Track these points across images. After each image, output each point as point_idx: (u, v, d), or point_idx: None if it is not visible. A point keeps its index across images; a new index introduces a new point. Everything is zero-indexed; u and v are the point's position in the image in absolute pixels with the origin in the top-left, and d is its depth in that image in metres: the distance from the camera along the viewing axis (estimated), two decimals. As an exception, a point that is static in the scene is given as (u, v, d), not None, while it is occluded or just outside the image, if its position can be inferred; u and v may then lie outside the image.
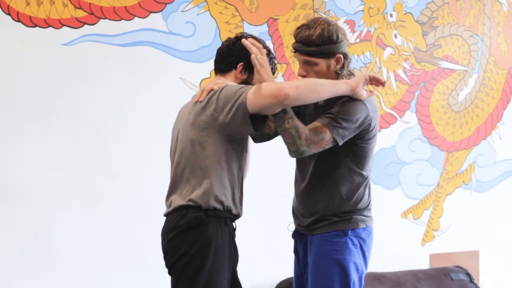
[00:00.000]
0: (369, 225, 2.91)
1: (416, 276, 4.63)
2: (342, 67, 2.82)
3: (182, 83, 4.19)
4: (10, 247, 3.81)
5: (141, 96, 4.09)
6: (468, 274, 4.79)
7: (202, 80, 4.22)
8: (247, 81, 2.89)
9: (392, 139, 4.85)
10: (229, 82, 2.84)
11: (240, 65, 2.88)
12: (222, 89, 2.75)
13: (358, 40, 4.68)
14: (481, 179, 5.18)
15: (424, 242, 5.01)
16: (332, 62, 2.80)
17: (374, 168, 4.70)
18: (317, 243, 2.88)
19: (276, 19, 4.44)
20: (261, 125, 2.77)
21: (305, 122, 2.80)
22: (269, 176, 4.24)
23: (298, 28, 2.83)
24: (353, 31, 4.66)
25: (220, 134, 2.74)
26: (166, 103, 4.09)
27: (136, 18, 4.08)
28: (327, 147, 2.74)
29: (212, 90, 2.78)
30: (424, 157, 4.99)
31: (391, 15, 4.80)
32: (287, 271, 4.32)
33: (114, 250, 4.01)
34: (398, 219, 4.90)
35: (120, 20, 4.05)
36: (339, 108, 2.77)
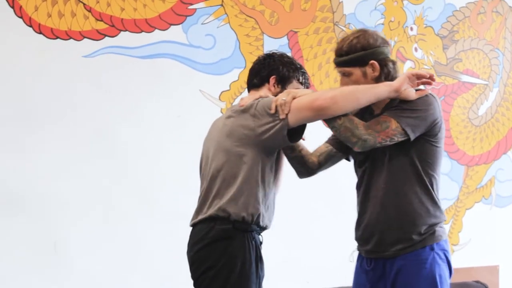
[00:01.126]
0: (447, 237, 2.78)
1: (435, 291, 4.59)
2: (381, 74, 2.71)
3: (202, 95, 4.20)
4: (28, 259, 3.82)
5: (160, 108, 4.10)
6: (488, 289, 4.76)
7: (221, 93, 4.23)
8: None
9: (412, 152, 4.82)
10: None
11: (272, 78, 2.86)
12: (259, 100, 2.75)
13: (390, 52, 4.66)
14: (501, 194, 5.15)
15: (443, 256, 4.97)
16: (368, 69, 2.70)
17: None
18: (403, 264, 2.69)
19: (296, 32, 4.45)
20: (298, 137, 2.76)
21: None
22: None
23: (336, 44, 2.81)
24: (373, 45, 4.65)
25: (256, 146, 2.73)
26: (185, 115, 4.11)
27: (156, 30, 4.10)
28: (396, 138, 2.60)
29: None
30: (443, 171, 4.87)
31: (411, 29, 4.79)
32: (304, 284, 4.33)
33: (132, 262, 4.01)
34: (417, 233, 4.86)
35: (141, 32, 4.07)
36: (405, 102, 2.65)
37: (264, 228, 2.83)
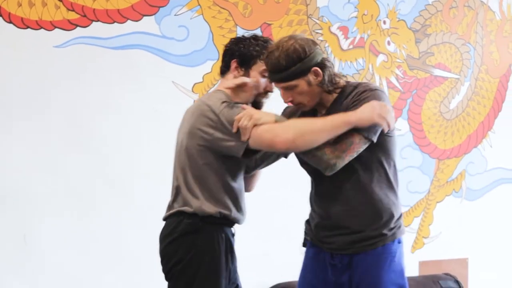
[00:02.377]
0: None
1: (405, 283, 4.62)
2: (324, 77, 2.67)
3: (175, 87, 4.17)
4: (-2, 251, 3.79)
5: (133, 100, 4.06)
6: (457, 282, 4.80)
7: (194, 84, 4.20)
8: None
9: (384, 146, 4.84)
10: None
11: (233, 62, 2.81)
12: (222, 110, 2.70)
13: (351, 46, 4.68)
14: (472, 187, 5.19)
15: (414, 249, 5.01)
16: (311, 77, 2.65)
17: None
18: (373, 259, 2.71)
19: (269, 24, 4.43)
20: (251, 155, 2.74)
21: None
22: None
23: (266, 55, 2.68)
24: (347, 38, 4.66)
25: (215, 149, 2.71)
26: (158, 107, 4.08)
27: (129, 21, 4.06)
28: (361, 149, 2.60)
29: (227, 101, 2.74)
30: (415, 165, 4.99)
31: (384, 22, 4.80)
32: (277, 277, 4.33)
33: (105, 255, 3.98)
34: (388, 226, 4.89)
35: (113, 23, 4.03)
36: (359, 103, 2.61)
37: (234, 222, 2.82)
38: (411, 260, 4.96)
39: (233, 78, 2.81)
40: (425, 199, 5.04)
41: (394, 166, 2.75)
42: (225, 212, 2.74)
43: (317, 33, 4.56)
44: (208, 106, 2.72)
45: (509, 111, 5.30)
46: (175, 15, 4.17)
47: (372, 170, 2.68)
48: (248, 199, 3.98)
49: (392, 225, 2.72)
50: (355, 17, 4.70)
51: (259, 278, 4.36)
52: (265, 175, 4.12)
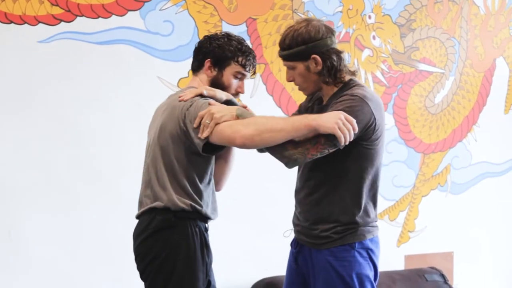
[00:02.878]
0: (375, 235, 2.77)
1: (391, 277, 4.65)
2: (323, 68, 2.68)
3: (160, 82, 4.16)
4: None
5: (118, 95, 4.05)
6: (442, 275, 4.82)
7: (179, 79, 4.19)
8: (217, 78, 2.85)
9: (369, 140, 4.85)
10: (217, 92, 2.80)
11: (207, 62, 2.84)
12: (193, 105, 2.70)
13: (336, 41, 4.67)
14: (457, 181, 5.21)
15: (399, 243, 5.03)
16: (311, 63, 2.69)
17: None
18: (323, 258, 2.73)
19: (255, 19, 4.43)
20: (217, 152, 2.75)
21: None
22: (250, 177, 4.23)
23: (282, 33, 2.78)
24: (332, 32, 4.65)
25: (184, 144, 2.72)
26: (143, 102, 4.06)
27: (113, 16, 4.04)
28: (326, 151, 2.58)
29: (201, 94, 2.75)
30: (400, 159, 5.00)
31: (369, 17, 4.80)
32: (262, 271, 4.34)
33: (91, 251, 3.97)
34: (374, 221, 4.90)
35: (98, 18, 4.00)
36: (335, 105, 2.62)
37: (208, 217, 2.82)
38: (396, 254, 4.99)
39: (206, 77, 2.85)
40: (411, 193, 5.05)
41: (372, 177, 2.72)
42: (197, 206, 2.74)
43: (302, 27, 4.55)
44: (179, 102, 2.74)
45: (493, 105, 5.33)
46: (160, 10, 4.16)
47: (341, 175, 2.68)
48: (239, 193, 4.00)
49: (341, 229, 2.70)
50: (340, 11, 4.70)
51: (244, 273, 4.37)
52: (257, 170, 4.13)
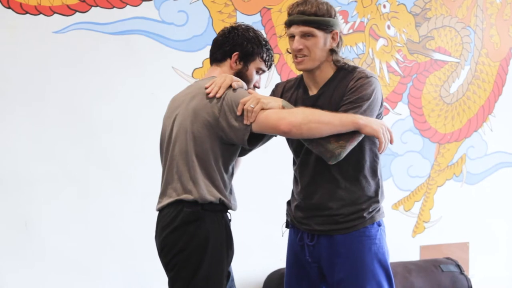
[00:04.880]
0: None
1: (406, 267, 4.63)
2: (337, 47, 2.75)
3: (174, 72, 4.16)
4: None
5: (132, 85, 4.05)
6: (458, 266, 4.80)
7: (194, 70, 4.19)
8: (242, 72, 2.85)
9: (384, 130, 4.84)
10: (242, 83, 2.77)
11: (235, 55, 2.83)
12: (229, 92, 2.69)
13: (351, 31, 4.66)
14: (472, 171, 5.19)
15: (414, 233, 5.01)
16: (329, 38, 2.72)
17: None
18: (353, 241, 2.77)
19: (269, 9, 4.42)
20: (257, 143, 2.75)
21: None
22: (263, 169, 4.23)
23: (293, 4, 2.74)
24: (346, 22, 4.64)
25: (217, 134, 2.70)
26: (157, 92, 4.07)
27: (128, 6, 4.04)
28: (360, 138, 2.68)
29: (231, 86, 2.72)
30: (415, 149, 4.99)
31: (384, 6, 4.78)
32: (278, 262, 4.33)
33: (104, 241, 3.99)
34: (389, 211, 4.89)
35: (112, 8, 4.01)
36: (355, 92, 2.68)
37: (229, 208, 2.81)
38: (412, 245, 4.98)
39: (229, 70, 2.84)
40: (426, 183, 5.03)
41: (379, 157, 2.83)
42: (224, 199, 2.74)
43: (317, 17, 4.54)
44: (211, 94, 2.71)
45: (509, 94, 5.29)
46: (174, 0, 4.15)
47: (359, 157, 2.75)
48: (253, 183, 3.99)
49: (371, 209, 2.78)
50: (355, 1, 4.68)
51: (260, 264, 4.37)
52: (271, 160, 4.13)
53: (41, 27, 3.85)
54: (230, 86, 2.72)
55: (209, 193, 2.70)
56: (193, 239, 2.69)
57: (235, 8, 4.31)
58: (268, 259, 4.38)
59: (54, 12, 3.88)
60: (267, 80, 4.33)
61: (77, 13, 3.92)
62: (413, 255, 4.96)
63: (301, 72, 2.85)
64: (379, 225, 2.80)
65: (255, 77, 2.89)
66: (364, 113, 2.64)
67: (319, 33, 2.70)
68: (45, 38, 3.86)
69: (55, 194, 3.89)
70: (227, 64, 2.85)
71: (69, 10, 3.91)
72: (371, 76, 2.71)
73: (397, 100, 4.86)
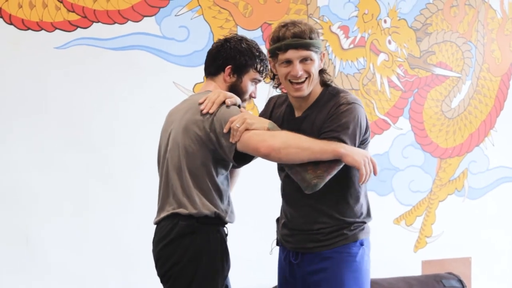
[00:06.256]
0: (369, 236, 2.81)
1: (408, 283, 4.62)
2: (323, 68, 2.72)
3: (175, 87, 4.17)
4: (0, 252, 3.78)
5: (134, 100, 4.07)
6: (460, 281, 4.79)
7: (195, 85, 4.20)
8: (236, 84, 2.84)
9: (385, 145, 4.84)
10: (235, 99, 2.76)
11: (228, 68, 2.82)
12: (222, 109, 2.70)
13: (352, 45, 4.67)
14: (474, 186, 5.18)
15: (416, 248, 5.00)
16: (321, 59, 2.69)
17: (367, 174, 4.75)
18: (334, 257, 2.72)
19: (270, 24, 4.43)
20: (243, 162, 2.74)
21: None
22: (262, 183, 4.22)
23: (282, 27, 2.63)
24: (347, 37, 4.66)
25: (208, 148, 2.71)
26: (158, 108, 4.07)
27: (129, 22, 4.06)
28: (341, 166, 2.59)
29: (224, 103, 2.72)
30: (417, 164, 4.98)
31: (385, 21, 4.79)
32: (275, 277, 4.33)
33: (105, 254, 3.99)
34: (390, 226, 4.89)
35: (113, 23, 4.03)
36: (335, 119, 2.60)
37: (226, 222, 2.81)
38: (414, 259, 4.97)
39: (224, 83, 2.84)
40: (427, 198, 5.03)
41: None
42: (219, 212, 2.74)
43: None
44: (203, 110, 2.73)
45: (511, 109, 5.29)
46: (175, 15, 4.18)
47: (345, 178, 2.68)
48: (251, 198, 3.99)
49: (352, 227, 2.73)
50: (356, 16, 4.70)
51: (257, 280, 4.36)
52: (269, 175, 4.13)
53: (43, 42, 3.87)
54: (224, 103, 2.72)
55: (204, 207, 2.71)
56: (187, 252, 2.70)
57: (236, 23, 4.33)
58: (267, 274, 4.36)
59: (56, 28, 3.90)
60: (269, 92, 4.34)
61: (79, 28, 3.95)
62: (415, 270, 4.95)
63: None
64: (362, 244, 2.74)
65: (250, 88, 2.88)
66: (343, 141, 2.56)
67: (315, 56, 2.64)
68: (47, 54, 3.88)
69: (56, 207, 3.90)
70: (221, 77, 2.85)
71: (71, 26, 3.93)
72: (353, 102, 2.63)
73: (398, 115, 4.87)
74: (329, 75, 2.73)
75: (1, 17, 3.80)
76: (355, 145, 2.60)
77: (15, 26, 3.83)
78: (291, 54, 2.61)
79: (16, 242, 3.81)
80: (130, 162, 4.04)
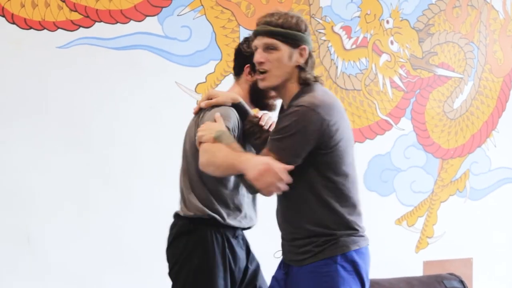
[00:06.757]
0: (363, 246, 2.53)
1: (410, 283, 4.61)
2: (306, 63, 2.53)
3: (178, 87, 4.17)
4: (1, 252, 3.78)
5: (136, 100, 4.06)
6: (461, 282, 4.77)
7: (197, 85, 4.20)
8: (256, 83, 2.75)
9: (387, 145, 4.84)
10: (222, 98, 2.75)
11: (247, 67, 2.80)
12: (205, 115, 2.71)
13: (354, 46, 4.67)
14: (476, 187, 5.18)
15: (418, 249, 5.00)
16: (296, 53, 2.50)
17: (369, 174, 4.75)
18: (305, 275, 2.51)
19: (272, 24, 4.42)
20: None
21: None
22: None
23: (263, 16, 2.55)
24: (350, 37, 4.65)
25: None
26: (161, 107, 4.08)
27: (131, 21, 4.06)
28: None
29: (205, 106, 2.74)
30: (419, 164, 4.98)
31: (387, 22, 4.79)
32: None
33: (105, 254, 3.98)
34: (392, 226, 4.89)
35: (116, 23, 4.03)
36: (280, 121, 2.48)
37: (229, 225, 2.77)
38: (415, 260, 4.97)
39: (246, 82, 2.81)
40: (429, 199, 5.02)
41: (342, 185, 2.51)
42: (215, 215, 2.73)
43: (320, 32, 4.55)
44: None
45: (513, 110, 5.30)
46: (177, 15, 4.17)
47: (309, 187, 2.49)
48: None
49: (321, 242, 2.49)
50: (358, 16, 4.69)
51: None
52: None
53: (45, 42, 3.87)
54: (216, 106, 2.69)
55: (198, 209, 2.72)
56: (183, 252, 2.73)
57: (238, 23, 4.33)
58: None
59: (58, 27, 3.90)
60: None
61: (81, 28, 3.94)
62: (416, 271, 4.94)
63: None
64: (335, 262, 2.47)
65: None
66: (281, 145, 2.41)
67: (283, 47, 2.50)
68: (49, 53, 3.88)
69: (58, 208, 3.89)
70: (243, 77, 2.83)
71: (73, 25, 3.93)
72: (302, 105, 2.42)
73: (401, 116, 4.87)
74: (309, 74, 2.54)
75: (3, 16, 3.80)
76: (292, 152, 2.43)
77: (17, 25, 3.82)
78: (256, 41, 2.55)
79: (17, 242, 3.81)
80: (130, 162, 4.04)
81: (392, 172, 4.85)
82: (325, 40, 4.56)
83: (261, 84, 2.58)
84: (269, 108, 2.85)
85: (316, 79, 2.56)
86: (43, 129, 3.87)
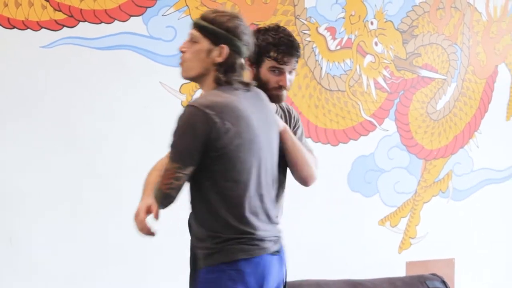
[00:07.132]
0: (256, 256, 2.46)
1: (393, 283, 4.64)
2: (224, 63, 2.48)
3: (162, 87, 4.16)
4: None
5: (121, 100, 4.05)
6: (444, 282, 4.81)
7: (182, 85, 4.19)
8: (258, 76, 2.77)
9: (371, 146, 4.86)
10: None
11: (246, 61, 2.69)
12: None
13: (338, 47, 4.68)
14: (458, 188, 5.21)
15: (401, 249, 5.02)
16: (215, 51, 2.47)
17: (352, 175, 4.77)
18: (197, 280, 2.52)
19: (257, 25, 4.41)
20: None
21: None
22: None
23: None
24: (334, 38, 4.66)
25: None
26: (146, 107, 4.07)
27: (116, 21, 4.04)
28: (181, 175, 2.41)
29: None
30: (402, 165, 5.00)
31: (371, 23, 4.81)
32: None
33: (94, 254, 3.97)
34: (375, 227, 4.90)
35: (100, 23, 4.01)
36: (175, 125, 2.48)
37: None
38: (398, 261, 4.99)
39: (250, 75, 2.76)
40: (412, 199, 5.05)
41: (232, 191, 2.46)
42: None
43: (304, 33, 4.56)
44: None
45: (495, 111, 5.33)
46: (162, 15, 4.16)
47: (198, 192, 2.50)
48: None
49: (210, 248, 2.48)
50: (343, 18, 4.70)
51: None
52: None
53: (28, 42, 3.84)
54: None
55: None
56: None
57: (223, 24, 4.32)
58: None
59: (42, 27, 3.88)
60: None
61: (65, 28, 3.92)
62: (399, 271, 4.97)
63: None
64: (220, 269, 2.43)
65: (271, 77, 2.77)
66: (174, 149, 2.44)
67: (203, 41, 2.48)
68: (32, 53, 3.85)
69: (42, 207, 3.87)
70: (248, 70, 2.75)
71: (57, 25, 3.91)
72: (191, 105, 2.42)
73: (384, 116, 4.89)
74: (226, 76, 2.50)
75: (-13, 15, 3.77)
76: (186, 153, 2.42)
77: (0, 25, 3.80)
78: (191, 30, 2.57)
79: (1, 242, 3.78)
80: (118, 161, 4.02)
81: (375, 173, 4.87)
82: (309, 41, 4.57)
83: (181, 74, 2.58)
84: (274, 99, 2.79)
85: (231, 82, 2.51)
86: (29, 129, 3.84)
